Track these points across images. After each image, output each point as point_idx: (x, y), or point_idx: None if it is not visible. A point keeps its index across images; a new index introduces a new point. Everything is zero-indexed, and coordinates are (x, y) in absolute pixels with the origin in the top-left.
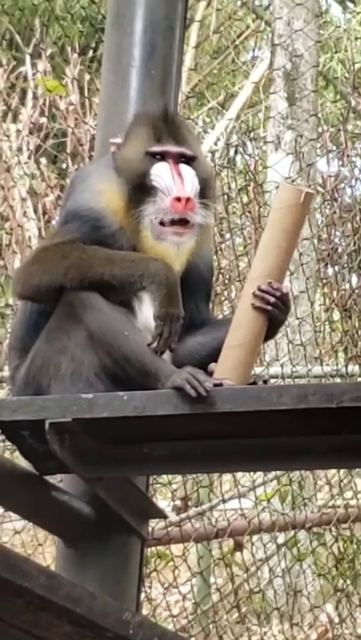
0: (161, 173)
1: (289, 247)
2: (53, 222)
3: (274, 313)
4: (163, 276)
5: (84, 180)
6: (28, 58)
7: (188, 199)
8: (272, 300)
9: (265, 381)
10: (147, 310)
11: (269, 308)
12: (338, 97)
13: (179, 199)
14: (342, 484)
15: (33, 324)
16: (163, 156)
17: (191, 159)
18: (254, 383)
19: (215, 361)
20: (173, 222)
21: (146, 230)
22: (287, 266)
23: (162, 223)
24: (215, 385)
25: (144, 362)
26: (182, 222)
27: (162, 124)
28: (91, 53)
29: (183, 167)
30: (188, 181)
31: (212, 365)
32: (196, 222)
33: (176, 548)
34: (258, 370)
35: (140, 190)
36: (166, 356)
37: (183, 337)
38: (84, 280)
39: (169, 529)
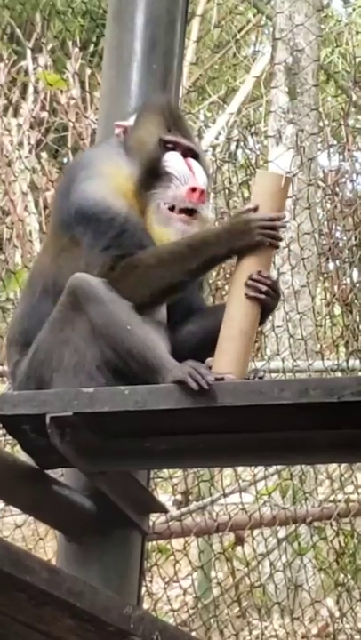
0: (175, 162)
1: None
2: None
3: (267, 301)
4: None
5: (85, 166)
6: (28, 52)
7: (202, 191)
8: (264, 288)
9: (260, 377)
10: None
11: (263, 296)
12: (339, 91)
13: (194, 189)
14: (343, 478)
15: (35, 318)
16: (174, 147)
17: (196, 155)
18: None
19: (206, 349)
20: (182, 211)
21: (153, 214)
22: (273, 252)
23: (171, 209)
24: (217, 379)
25: (146, 356)
26: (190, 212)
27: (170, 116)
28: (92, 48)
29: (192, 161)
30: (200, 174)
31: (209, 360)
32: (203, 215)
33: (177, 543)
34: (259, 364)
35: (151, 174)
36: (167, 346)
37: (177, 326)
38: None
39: (170, 523)
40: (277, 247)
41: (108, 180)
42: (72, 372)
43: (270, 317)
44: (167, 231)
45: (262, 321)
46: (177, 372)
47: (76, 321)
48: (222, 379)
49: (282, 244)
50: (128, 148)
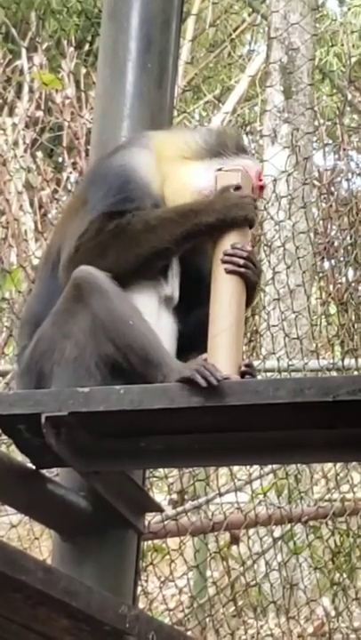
0: (251, 160)
1: None
2: (50, 216)
3: (247, 274)
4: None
5: (138, 138)
6: (24, 51)
7: (262, 188)
8: (241, 261)
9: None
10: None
11: (242, 269)
12: (334, 90)
13: (261, 182)
14: (339, 477)
15: (43, 302)
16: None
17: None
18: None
19: (193, 342)
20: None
21: (204, 167)
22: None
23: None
24: (223, 379)
25: (147, 351)
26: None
27: None
28: (87, 47)
29: None
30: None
31: (203, 356)
32: None
33: (172, 542)
34: (255, 364)
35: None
36: (170, 348)
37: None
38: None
39: (165, 522)
40: (253, 225)
41: (153, 152)
42: (72, 366)
43: (266, 317)
44: (197, 182)
45: (250, 299)
46: (183, 370)
47: (79, 314)
48: (228, 379)
49: (277, 242)
50: (213, 137)
